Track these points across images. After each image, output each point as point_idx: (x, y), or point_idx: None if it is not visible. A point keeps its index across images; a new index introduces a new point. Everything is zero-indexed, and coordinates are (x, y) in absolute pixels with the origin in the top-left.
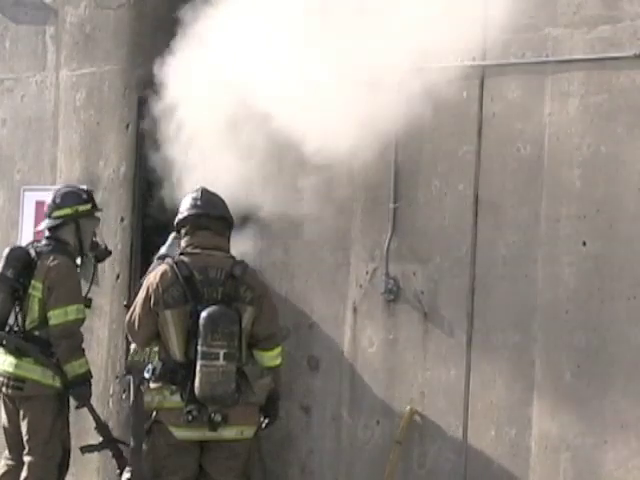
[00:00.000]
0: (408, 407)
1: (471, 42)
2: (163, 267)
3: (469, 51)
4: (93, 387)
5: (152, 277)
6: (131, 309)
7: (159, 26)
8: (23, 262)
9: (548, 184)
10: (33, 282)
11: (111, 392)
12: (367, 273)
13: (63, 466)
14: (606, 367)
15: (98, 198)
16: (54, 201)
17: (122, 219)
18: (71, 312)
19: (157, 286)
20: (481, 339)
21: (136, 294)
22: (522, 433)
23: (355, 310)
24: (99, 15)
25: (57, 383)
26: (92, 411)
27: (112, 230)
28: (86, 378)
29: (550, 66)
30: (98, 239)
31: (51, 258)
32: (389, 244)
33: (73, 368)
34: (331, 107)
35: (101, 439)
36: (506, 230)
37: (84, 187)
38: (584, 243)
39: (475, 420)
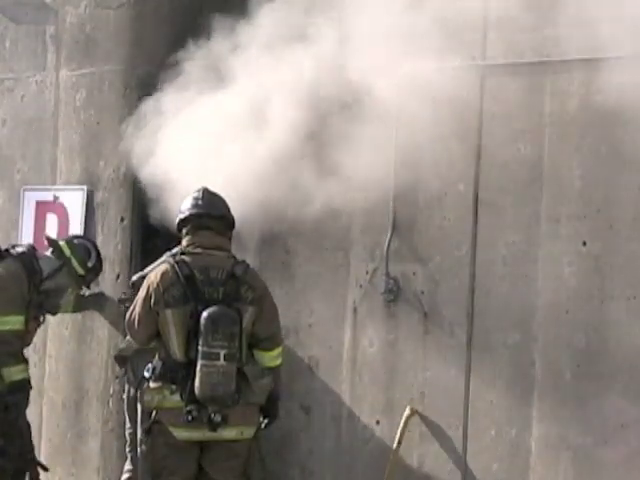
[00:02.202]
0: (408, 407)
1: (470, 42)
2: (164, 266)
3: (469, 51)
4: (93, 387)
5: (153, 276)
6: (131, 308)
7: (159, 26)
8: None
9: (548, 184)
10: None
11: (111, 392)
12: (367, 273)
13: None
14: (606, 367)
15: (98, 198)
16: (77, 236)
17: (122, 219)
18: (8, 322)
19: (158, 285)
20: (481, 339)
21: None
22: (522, 433)
23: (355, 310)
24: (99, 15)
25: None
26: (25, 426)
27: (112, 230)
28: (22, 386)
29: (550, 66)
30: (62, 301)
31: (3, 262)
32: (389, 244)
33: (10, 374)
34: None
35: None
36: (506, 230)
37: (101, 260)
38: (584, 243)
39: (475, 420)
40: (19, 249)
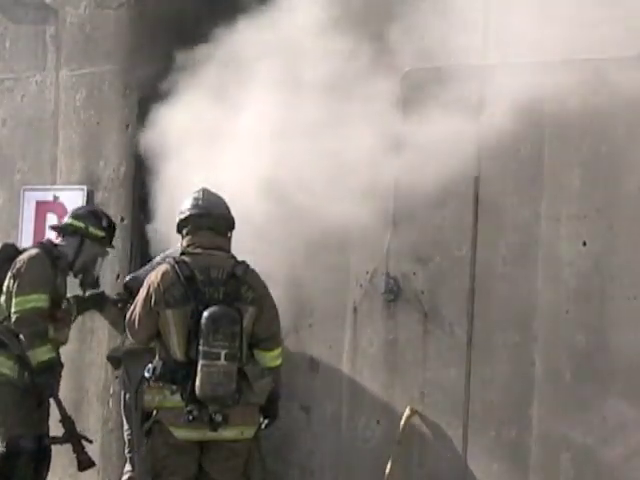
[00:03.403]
0: (408, 407)
1: (472, 42)
2: (164, 267)
3: (469, 51)
4: (93, 387)
5: (153, 276)
6: (131, 308)
7: (159, 26)
8: (4, 257)
9: (548, 184)
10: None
11: (111, 392)
12: (367, 273)
13: (10, 459)
14: (606, 367)
15: (98, 198)
16: (76, 210)
17: (122, 219)
18: (31, 300)
19: (158, 285)
20: (481, 339)
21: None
22: (522, 433)
23: (355, 310)
24: (99, 15)
25: (8, 371)
26: (58, 403)
27: None
28: (50, 366)
29: (550, 66)
30: (96, 268)
31: (25, 252)
32: (389, 244)
33: (35, 355)
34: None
35: (64, 432)
36: (506, 230)
37: (112, 219)
38: (584, 243)
39: (475, 420)
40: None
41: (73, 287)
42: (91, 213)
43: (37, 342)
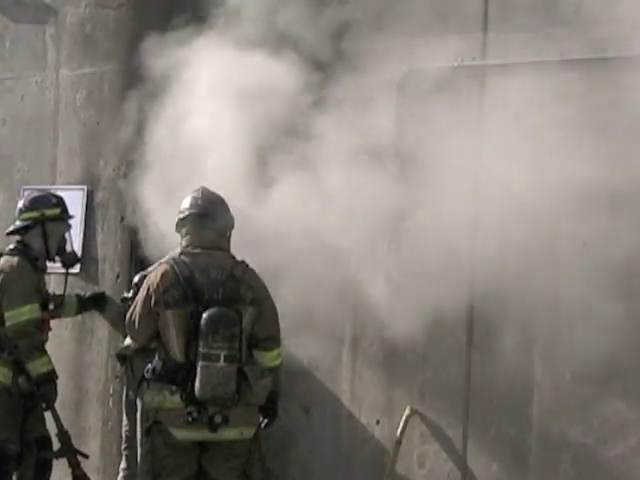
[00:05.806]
0: (408, 407)
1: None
2: (164, 267)
3: (469, 51)
4: (93, 387)
5: (153, 277)
6: (131, 308)
7: (159, 26)
8: None
9: (548, 184)
10: None
11: (111, 392)
12: (367, 273)
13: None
14: (606, 367)
15: (98, 198)
16: (23, 204)
17: (122, 219)
18: (24, 313)
19: (158, 286)
20: (481, 339)
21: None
22: (522, 433)
23: (355, 310)
24: (99, 15)
25: (2, 378)
26: (55, 416)
27: (112, 230)
28: (50, 378)
29: (550, 66)
30: (68, 245)
31: (3, 260)
32: (389, 244)
33: (35, 367)
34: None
35: (60, 446)
36: (506, 230)
37: (56, 193)
38: (584, 243)
39: (475, 420)
40: (10, 246)
41: (74, 287)
42: (37, 199)
43: (36, 354)
